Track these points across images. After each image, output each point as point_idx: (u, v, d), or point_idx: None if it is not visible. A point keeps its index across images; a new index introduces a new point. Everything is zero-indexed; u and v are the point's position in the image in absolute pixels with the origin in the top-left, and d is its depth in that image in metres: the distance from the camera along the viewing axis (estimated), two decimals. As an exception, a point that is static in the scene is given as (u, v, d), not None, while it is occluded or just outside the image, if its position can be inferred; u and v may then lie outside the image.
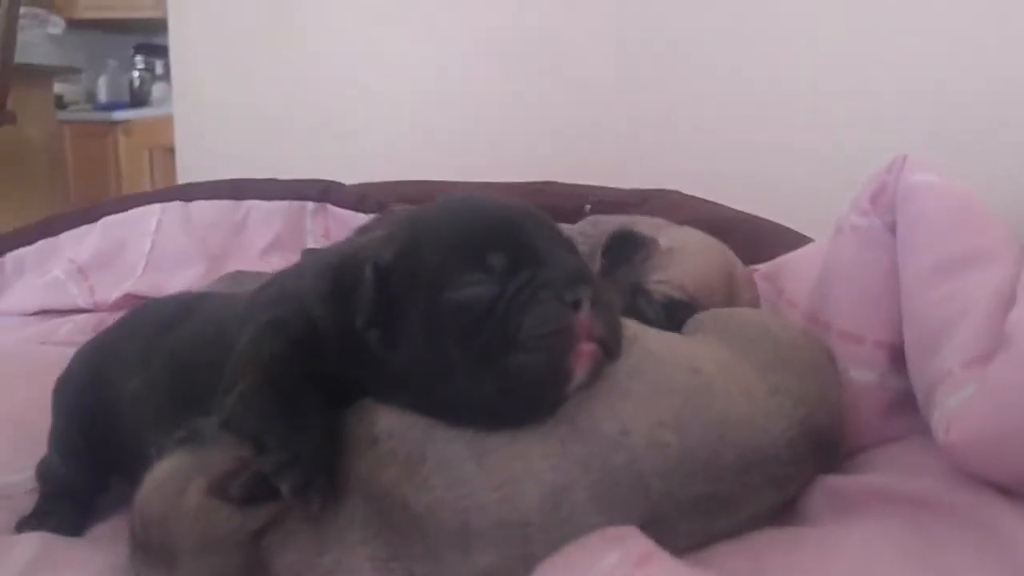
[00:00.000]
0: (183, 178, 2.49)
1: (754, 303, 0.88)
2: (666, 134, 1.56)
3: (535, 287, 0.57)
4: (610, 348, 0.60)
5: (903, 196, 0.73)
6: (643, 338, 0.68)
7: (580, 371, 0.58)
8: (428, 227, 0.62)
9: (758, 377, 0.66)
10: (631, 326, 0.69)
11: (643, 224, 0.98)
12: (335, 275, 0.64)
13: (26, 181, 3.04)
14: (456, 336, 0.57)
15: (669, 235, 0.90)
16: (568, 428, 0.60)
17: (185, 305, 0.78)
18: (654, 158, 1.55)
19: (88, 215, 1.33)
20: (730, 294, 0.84)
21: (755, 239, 1.18)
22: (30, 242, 1.32)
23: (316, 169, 2.14)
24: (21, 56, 2.67)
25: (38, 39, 3.38)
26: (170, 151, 4.01)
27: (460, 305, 0.57)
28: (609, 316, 0.61)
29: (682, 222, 1.21)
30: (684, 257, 0.85)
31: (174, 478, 0.60)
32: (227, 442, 0.62)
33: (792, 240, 1.17)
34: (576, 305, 0.57)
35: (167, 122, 3.97)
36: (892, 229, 0.75)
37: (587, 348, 0.58)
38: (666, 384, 0.63)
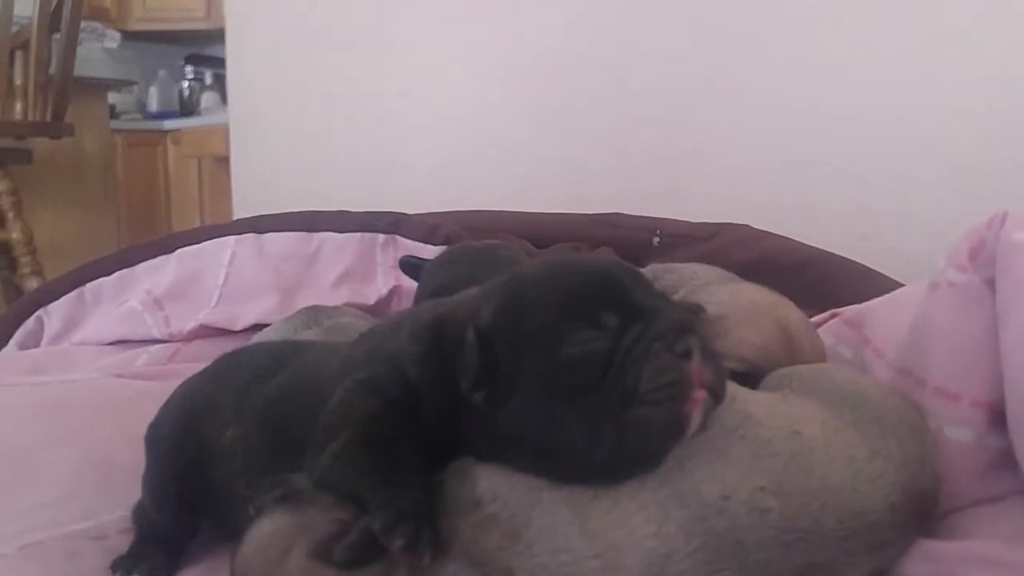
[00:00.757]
0: (237, 190, 2.53)
1: (817, 351, 0.85)
2: (734, 162, 1.55)
3: (648, 340, 0.58)
4: (717, 394, 0.61)
5: (1004, 254, 0.72)
6: (741, 398, 0.68)
7: (696, 419, 0.59)
8: (532, 286, 0.63)
9: (859, 440, 0.65)
10: (728, 385, 0.69)
11: (697, 279, 0.96)
12: (430, 336, 0.65)
13: (82, 190, 3.11)
14: (572, 392, 0.59)
15: (718, 298, 0.86)
16: (669, 491, 0.60)
17: (276, 356, 0.78)
18: (723, 187, 1.54)
19: (164, 246, 1.35)
20: (791, 350, 0.82)
21: (828, 277, 1.17)
22: (108, 272, 1.34)
23: (369, 185, 2.17)
24: (79, 70, 2.73)
25: (95, 53, 3.44)
26: (218, 160, 4.09)
27: (576, 362, 0.58)
28: (716, 362, 0.61)
29: (753, 259, 1.21)
30: (736, 324, 0.82)
31: (276, 540, 0.60)
32: (326, 501, 0.63)
33: (870, 279, 1.16)
34: (687, 355, 0.58)
35: (216, 132, 4.06)
36: (991, 285, 0.73)
37: (700, 396, 0.59)
38: (766, 447, 0.62)
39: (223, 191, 3.92)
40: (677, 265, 1.03)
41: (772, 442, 0.63)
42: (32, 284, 2.57)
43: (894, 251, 1.32)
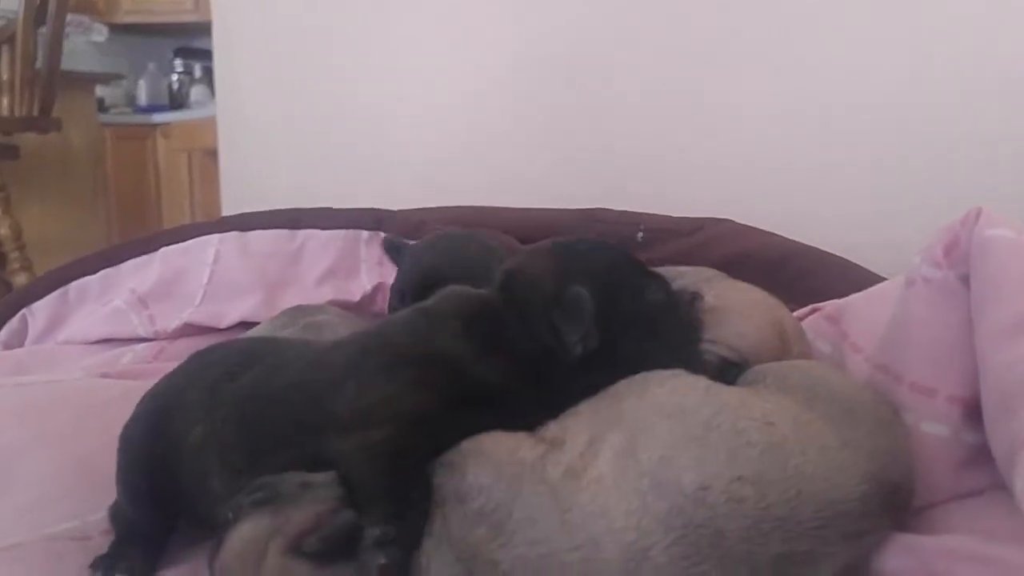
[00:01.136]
0: (226, 184, 2.51)
1: (805, 356, 0.87)
2: (720, 156, 1.54)
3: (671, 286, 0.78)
4: None
5: (978, 250, 0.73)
6: (715, 390, 0.69)
7: None
8: (593, 258, 0.76)
9: (829, 431, 0.66)
10: (700, 379, 0.71)
11: (690, 276, 0.97)
12: (482, 318, 0.73)
13: (70, 185, 3.09)
14: (658, 322, 0.75)
15: (716, 291, 0.88)
16: (651, 482, 0.61)
17: (248, 352, 0.79)
18: (707, 182, 1.54)
19: (149, 245, 1.35)
20: (781, 351, 0.83)
21: (811, 272, 1.18)
22: (93, 271, 1.34)
23: (357, 179, 2.16)
24: (66, 63, 2.72)
25: (82, 46, 3.42)
26: (209, 154, 4.07)
27: (657, 303, 0.75)
28: None
29: (735, 253, 1.22)
30: (732, 317, 0.84)
31: (254, 543, 0.61)
32: (307, 500, 0.63)
33: (851, 273, 1.16)
34: None
35: (205, 125, 4.02)
36: (966, 281, 0.74)
37: None
38: (742, 437, 0.63)
39: (214, 184, 3.88)
40: (682, 268, 1.05)
41: (747, 432, 0.64)
42: (21, 280, 2.57)
43: (886, 246, 1.32)
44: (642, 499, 0.60)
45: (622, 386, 0.71)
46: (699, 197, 1.52)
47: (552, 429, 0.69)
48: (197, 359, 0.81)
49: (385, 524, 0.59)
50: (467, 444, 0.67)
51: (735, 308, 0.85)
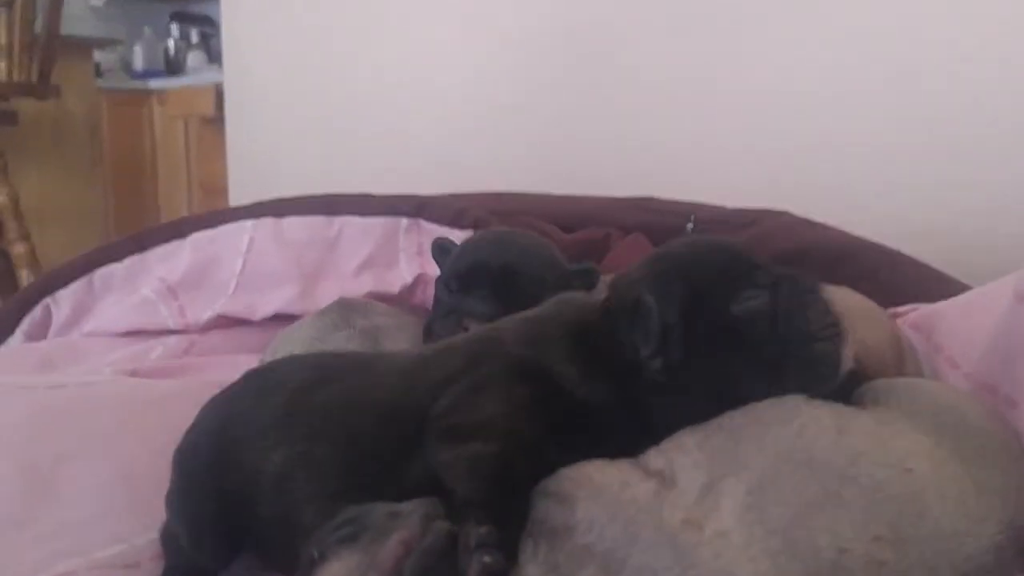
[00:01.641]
0: (232, 153, 2.46)
1: (918, 371, 0.82)
2: (765, 143, 1.49)
3: (800, 292, 0.68)
4: None
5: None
6: (847, 430, 0.63)
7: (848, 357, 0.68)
8: (685, 261, 0.70)
9: (964, 473, 0.61)
10: (827, 416, 0.64)
11: None
12: (587, 335, 0.70)
13: (67, 152, 3.03)
14: (752, 340, 0.66)
15: (828, 297, 0.84)
16: (781, 541, 0.56)
17: (320, 367, 0.74)
18: (753, 172, 1.48)
19: (177, 230, 1.28)
20: (899, 365, 0.79)
21: (877, 271, 1.12)
22: (118, 258, 1.27)
23: (367, 156, 2.11)
24: (64, 28, 2.68)
25: (79, 11, 3.32)
26: (206, 121, 3.99)
27: (750, 315, 0.66)
28: None
29: (793, 249, 1.16)
30: (852, 324, 0.79)
31: None
32: (395, 530, 0.58)
33: (919, 273, 1.10)
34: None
35: (202, 91, 3.96)
36: (1088, 298, 0.69)
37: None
38: (881, 491, 0.58)
39: (210, 152, 3.82)
40: None
41: (887, 484, 0.59)
42: (19, 250, 2.51)
43: (931, 235, 1.28)
44: (773, 560, 0.55)
45: (737, 421, 0.65)
46: (749, 181, 1.47)
47: (656, 460, 0.64)
48: (256, 378, 0.75)
49: (490, 524, 0.57)
50: (572, 473, 0.63)
51: (854, 314, 0.80)
